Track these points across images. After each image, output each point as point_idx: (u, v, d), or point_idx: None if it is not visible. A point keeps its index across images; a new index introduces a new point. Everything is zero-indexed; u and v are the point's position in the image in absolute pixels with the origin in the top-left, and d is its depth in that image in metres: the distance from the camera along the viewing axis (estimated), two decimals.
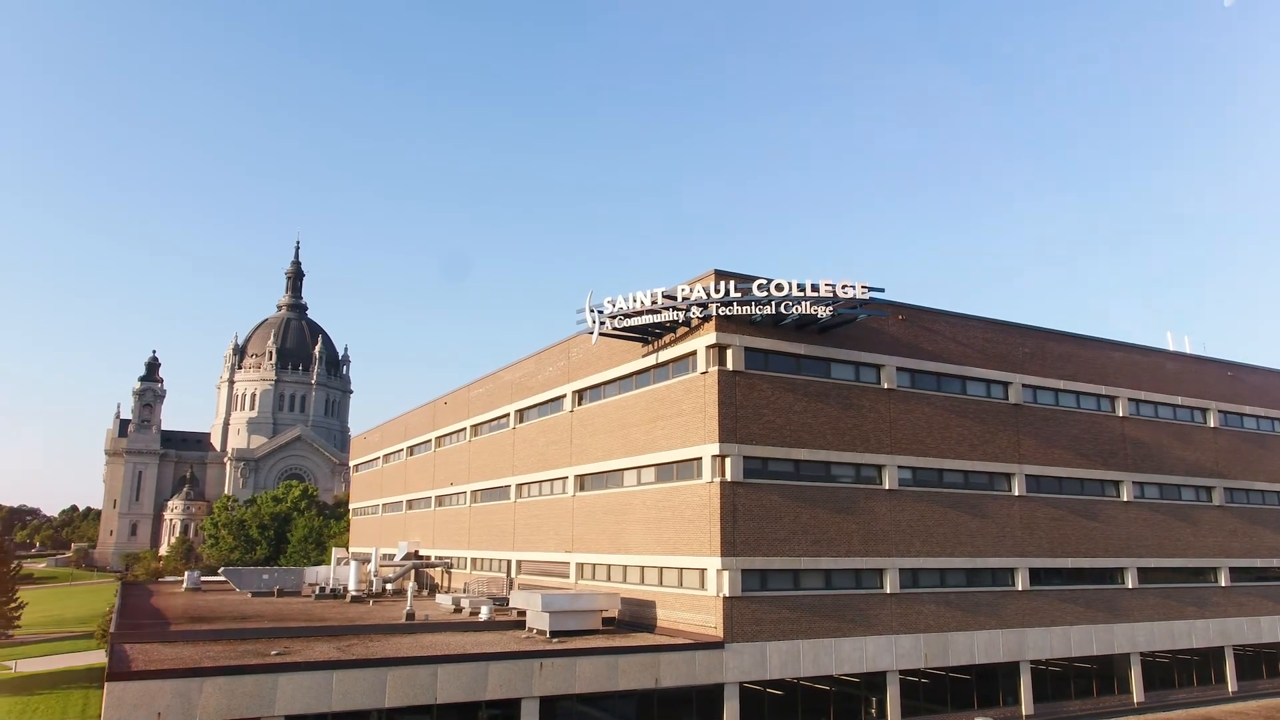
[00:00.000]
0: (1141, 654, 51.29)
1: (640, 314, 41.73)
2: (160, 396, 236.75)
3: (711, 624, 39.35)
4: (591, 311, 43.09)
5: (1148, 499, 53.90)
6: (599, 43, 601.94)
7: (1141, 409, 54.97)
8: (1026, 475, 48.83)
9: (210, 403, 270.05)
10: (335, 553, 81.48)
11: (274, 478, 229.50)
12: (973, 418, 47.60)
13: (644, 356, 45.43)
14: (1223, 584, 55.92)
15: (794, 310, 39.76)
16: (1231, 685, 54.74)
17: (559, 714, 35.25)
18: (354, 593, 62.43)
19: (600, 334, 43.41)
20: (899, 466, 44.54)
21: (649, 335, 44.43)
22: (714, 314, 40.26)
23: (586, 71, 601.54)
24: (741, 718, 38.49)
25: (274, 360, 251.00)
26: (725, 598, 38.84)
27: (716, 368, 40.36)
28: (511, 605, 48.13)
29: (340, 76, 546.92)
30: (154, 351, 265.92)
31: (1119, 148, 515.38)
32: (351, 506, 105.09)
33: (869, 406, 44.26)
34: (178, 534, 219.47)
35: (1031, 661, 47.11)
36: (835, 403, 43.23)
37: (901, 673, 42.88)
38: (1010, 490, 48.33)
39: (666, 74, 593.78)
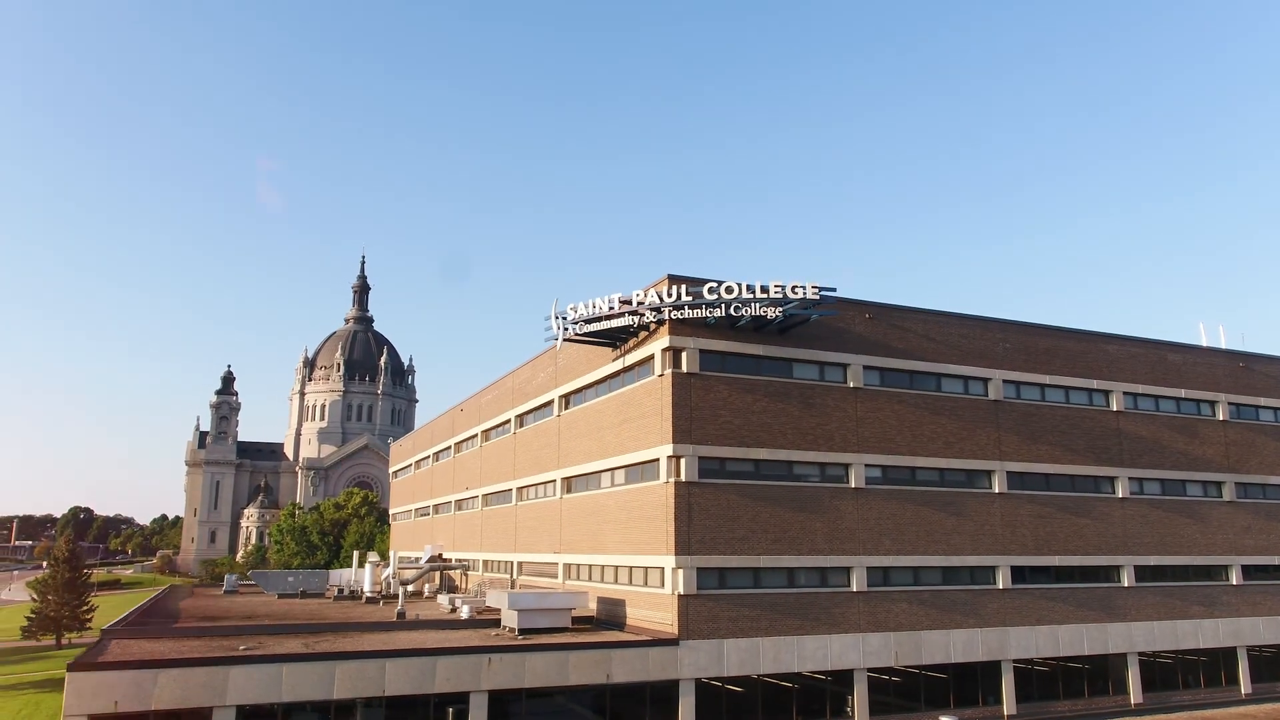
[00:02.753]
0: (1140, 654, 50.02)
1: (600, 320, 42.85)
2: (235, 409, 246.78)
3: (669, 621, 40.17)
4: (557, 318, 44.36)
5: (1147, 495, 52.53)
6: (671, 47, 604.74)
7: (1140, 403, 53.62)
8: (1008, 472, 48.22)
9: (284, 414, 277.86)
10: (369, 556, 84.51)
11: (342, 485, 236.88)
12: (948, 415, 47.27)
13: (614, 361, 46.55)
14: (1234, 582, 54.03)
15: (744, 312, 40.37)
16: (1245, 687, 52.87)
17: (511, 709, 36.54)
18: (369, 594, 64.95)
19: (565, 339, 44.66)
20: (866, 465, 44.61)
21: (616, 340, 45.51)
22: (667, 318, 41.11)
23: (650, 76, 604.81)
24: (698, 714, 39.17)
25: (342, 372, 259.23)
26: (680, 595, 39.63)
27: (671, 370, 41.22)
28: (488, 604, 49.64)
29: (391, 83, 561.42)
30: (229, 366, 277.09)
31: (1124, 146, 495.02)
32: (392, 511, 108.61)
33: (834, 405, 44.46)
34: (253, 540, 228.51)
35: (1016, 661, 46.51)
36: (797, 402, 43.57)
37: (870, 671, 42.92)
38: (990, 487, 47.81)
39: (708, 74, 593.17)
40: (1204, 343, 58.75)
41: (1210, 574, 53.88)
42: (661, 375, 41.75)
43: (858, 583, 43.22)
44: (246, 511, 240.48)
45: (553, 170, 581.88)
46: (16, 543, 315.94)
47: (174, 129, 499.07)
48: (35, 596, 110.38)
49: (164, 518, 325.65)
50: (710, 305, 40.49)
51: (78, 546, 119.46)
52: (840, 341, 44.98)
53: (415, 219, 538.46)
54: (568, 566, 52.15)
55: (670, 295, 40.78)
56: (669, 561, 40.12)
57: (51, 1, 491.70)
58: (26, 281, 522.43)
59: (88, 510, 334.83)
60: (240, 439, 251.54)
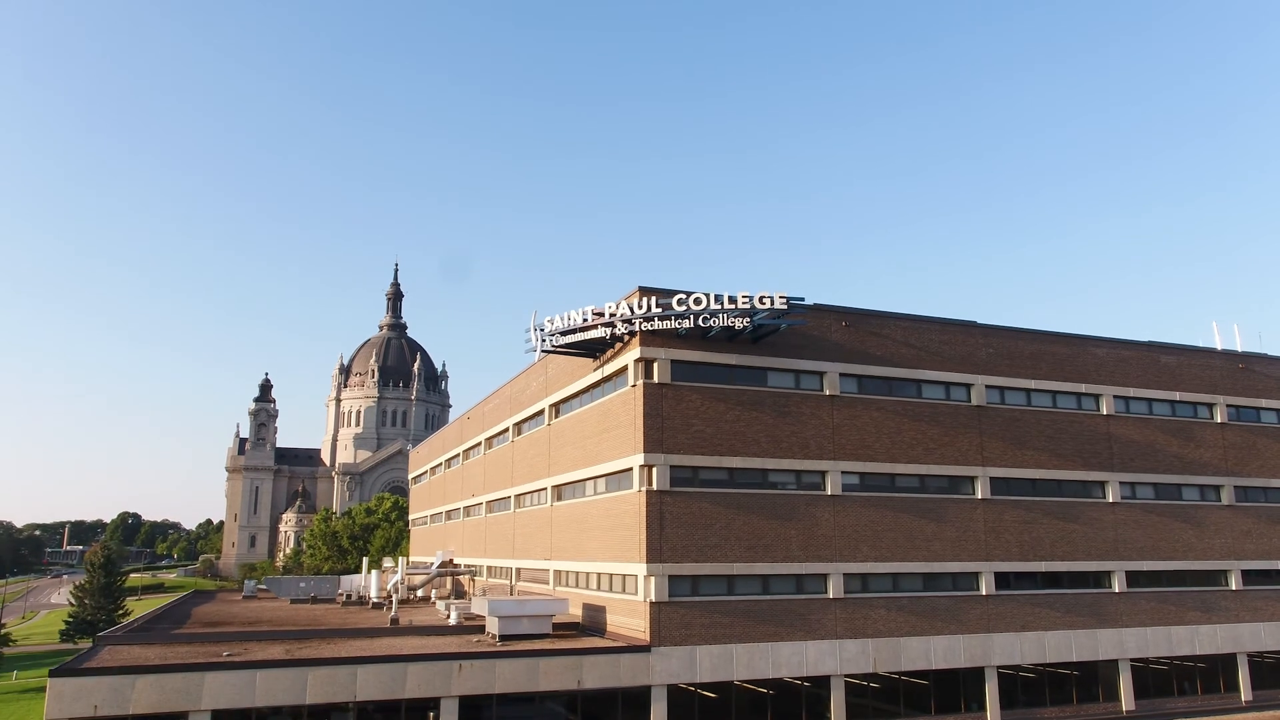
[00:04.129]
0: (1132, 660, 49.51)
1: (575, 331, 43.65)
2: (273, 416, 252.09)
3: (642, 628, 40.81)
4: (536, 330, 45.28)
5: (1140, 499, 51.97)
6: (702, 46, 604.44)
7: (1132, 406, 53.06)
8: (991, 478, 48.09)
9: (322, 420, 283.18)
10: (385, 562, 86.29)
11: (377, 490, 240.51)
12: (928, 421, 47.29)
13: (594, 371, 47.32)
14: (1234, 587, 53.22)
15: (712, 323, 40.90)
16: (1245, 694, 52.04)
17: (484, 714, 37.44)
18: (374, 600, 66.39)
19: (543, 351, 45.54)
20: (843, 472, 44.83)
21: (595, 351, 46.26)
22: (638, 329, 41.78)
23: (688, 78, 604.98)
24: (670, 719, 39.74)
25: (376, 378, 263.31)
26: (652, 602, 40.24)
27: (643, 381, 41.88)
28: (473, 611, 50.64)
29: (415, 84, 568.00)
30: (266, 374, 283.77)
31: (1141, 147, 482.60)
32: (411, 517, 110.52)
33: (809, 413, 44.76)
34: (291, 545, 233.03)
35: (1001, 667, 46.36)
36: (771, 410, 43.96)
37: (848, 677, 43.14)
38: (973, 493, 47.71)
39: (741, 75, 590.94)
40: (1218, 344, 57.97)
41: (1208, 579, 53.10)
42: (634, 385, 42.43)
43: (834, 589, 43.46)
44: (285, 516, 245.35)
45: (587, 172, 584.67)
46: (68, 547, 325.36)
47: (217, 135, 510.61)
48: (73, 601, 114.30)
49: (208, 522, 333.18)
50: (679, 316, 41.10)
51: (113, 553, 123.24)
52: (816, 349, 45.27)
53: (449, 224, 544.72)
54: (557, 573, 53.01)
55: (641, 307, 41.45)
56: (641, 569, 40.78)
57: (100, 9, 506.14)
58: (79, 290, 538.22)
59: (135, 515, 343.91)
60: (279, 445, 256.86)
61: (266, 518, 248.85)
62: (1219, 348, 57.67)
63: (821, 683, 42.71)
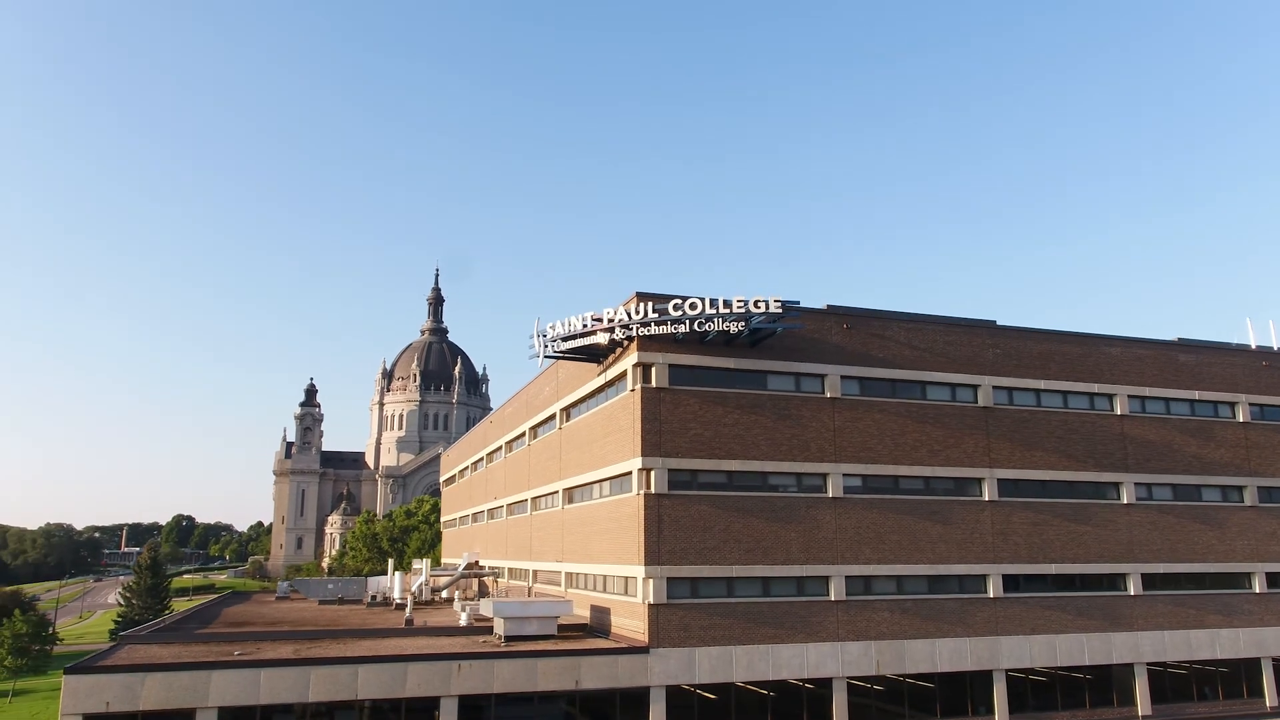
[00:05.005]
0: (1148, 664, 48.70)
1: (576, 337, 44.31)
2: (318, 420, 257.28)
3: (641, 630, 41.31)
4: (539, 336, 46.04)
5: (1156, 500, 51.09)
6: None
7: (1148, 406, 52.16)
8: (999, 479, 47.68)
9: (366, 424, 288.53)
10: (415, 564, 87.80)
11: (419, 492, 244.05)
12: (933, 422, 47.07)
13: (598, 376, 47.95)
14: (1257, 590, 52.03)
15: (707, 327, 41.26)
16: (1271, 699, 50.85)
17: (484, 714, 38.25)
18: (398, 601, 67.76)
19: (545, 356, 46.29)
20: (845, 475, 44.84)
21: (598, 356, 46.88)
22: (635, 334, 42.28)
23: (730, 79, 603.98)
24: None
25: (418, 382, 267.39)
26: (650, 604, 40.71)
27: (640, 385, 42.37)
28: (482, 613, 51.52)
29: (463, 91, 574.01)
30: (311, 379, 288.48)
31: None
32: (443, 519, 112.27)
33: (810, 416, 44.86)
34: (336, 546, 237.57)
35: (1010, 670, 45.96)
36: (771, 414, 44.15)
37: (851, 679, 43.16)
38: (980, 495, 47.34)
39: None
40: (1251, 341, 56.75)
41: (1230, 582, 51.99)
42: (633, 390, 42.95)
43: (836, 592, 43.49)
44: (330, 518, 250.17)
45: (623, 173, 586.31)
46: (125, 549, 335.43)
47: (266, 145, 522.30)
48: (121, 601, 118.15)
49: (259, 525, 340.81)
50: (675, 321, 41.51)
51: (160, 555, 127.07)
52: (817, 352, 45.35)
53: (489, 227, 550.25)
54: (568, 575, 53.74)
55: (638, 313, 41.94)
56: (640, 571, 41.27)
57: (151, 22, 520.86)
58: (140, 299, 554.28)
59: (189, 518, 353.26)
60: (325, 449, 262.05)
61: (313, 520, 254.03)
62: (1253, 345, 56.36)
63: (824, 684, 42.79)
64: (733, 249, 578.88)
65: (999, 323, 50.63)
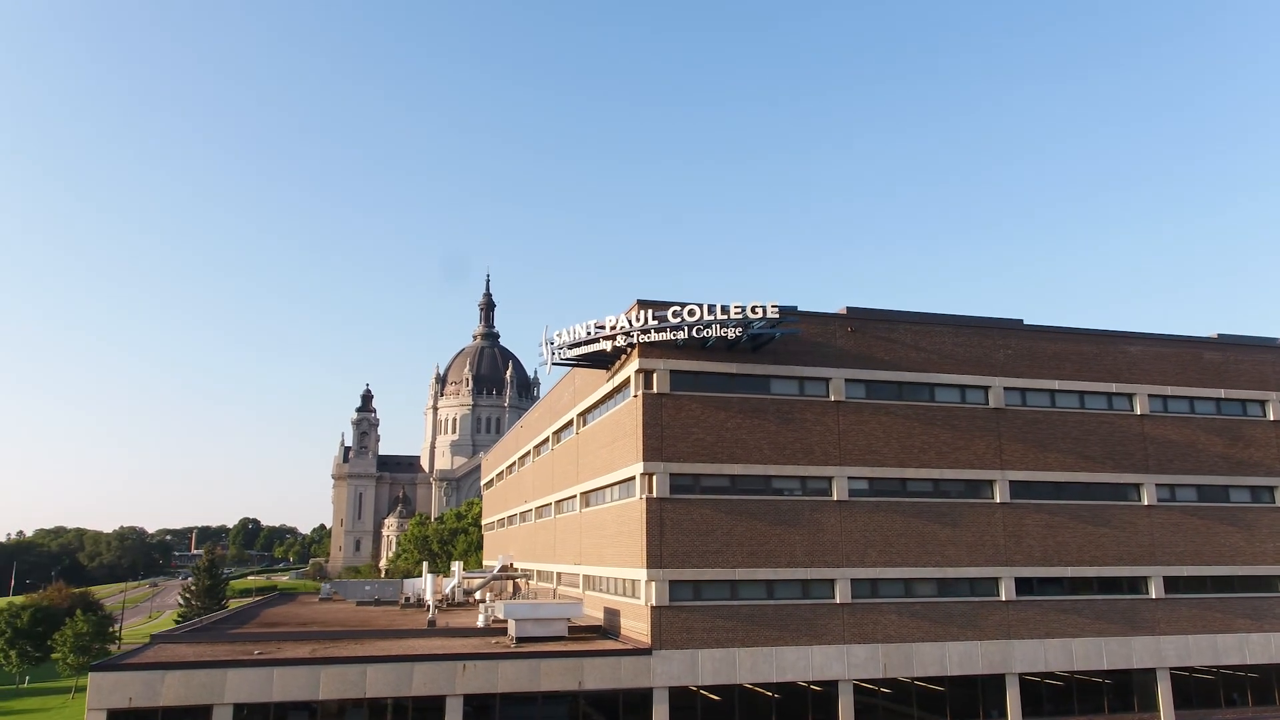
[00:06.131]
0: (1171, 669, 47.72)
1: (580, 345, 45.19)
2: (374, 425, 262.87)
3: (644, 631, 42.01)
4: (547, 344, 47.06)
5: (1180, 502, 50.03)
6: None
7: (1170, 405, 51.07)
8: (1011, 481, 47.22)
9: (421, 428, 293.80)
10: (453, 566, 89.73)
11: (472, 495, 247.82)
12: (942, 425, 46.84)
13: (606, 382, 48.79)
14: None
15: (706, 334, 41.79)
16: None
17: (490, 713, 39.35)
18: (430, 603, 69.36)
19: (553, 364, 47.25)
20: (850, 478, 44.92)
21: (605, 363, 47.69)
22: (636, 341, 43.01)
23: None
24: None
25: (470, 387, 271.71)
26: (653, 607, 41.39)
27: (642, 391, 43.10)
28: (496, 615, 52.65)
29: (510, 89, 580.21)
30: (367, 385, 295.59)
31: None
32: (483, 522, 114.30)
33: (814, 419, 45.04)
34: (393, 548, 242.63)
35: (1025, 674, 45.51)
36: (774, 417, 44.47)
37: (857, 682, 43.24)
38: (991, 497, 46.95)
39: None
40: None
41: (1260, 584, 50.60)
42: (635, 396, 43.69)
43: (841, 594, 43.60)
44: (386, 521, 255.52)
45: (676, 174, 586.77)
46: (195, 551, 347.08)
47: (327, 149, 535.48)
48: (181, 602, 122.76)
49: (321, 527, 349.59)
50: (674, 328, 42.12)
51: (216, 558, 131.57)
52: (821, 356, 45.52)
53: (539, 229, 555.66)
54: (586, 578, 54.67)
55: (639, 320, 42.66)
56: (643, 574, 41.97)
57: (221, 34, 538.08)
58: (211, 309, 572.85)
59: (255, 521, 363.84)
60: (381, 453, 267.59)
61: (370, 523, 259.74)
62: None
63: (830, 686, 42.95)
64: (767, 250, 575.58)
65: (1026, 321, 50.23)
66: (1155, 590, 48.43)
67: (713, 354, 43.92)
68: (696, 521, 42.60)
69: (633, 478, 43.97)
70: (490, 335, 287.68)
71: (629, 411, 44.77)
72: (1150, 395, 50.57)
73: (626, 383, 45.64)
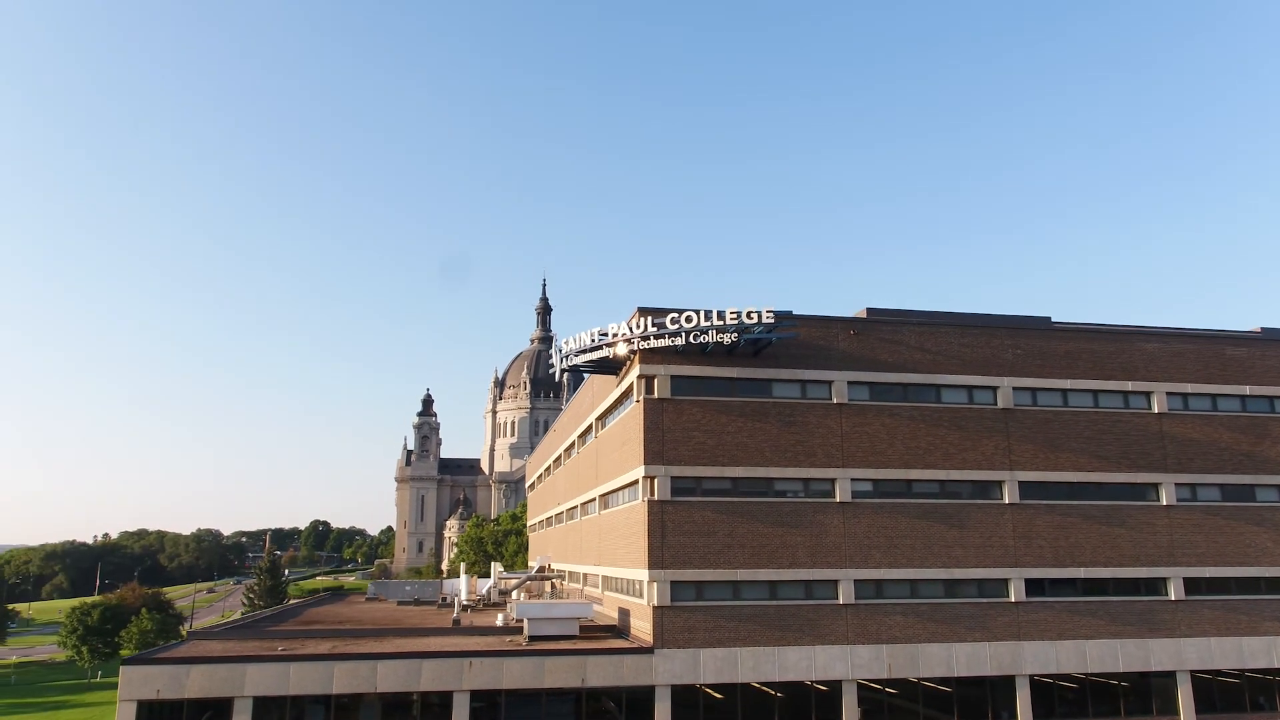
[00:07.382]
0: (1193, 672, 46.87)
1: (585, 352, 46.48)
2: (435, 429, 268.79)
3: (648, 631, 43.06)
4: (557, 351, 48.50)
5: (1202, 501, 49.04)
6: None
7: (1191, 403, 50.08)
8: (1020, 482, 46.94)
9: (481, 431, 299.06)
10: (494, 567, 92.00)
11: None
12: (948, 426, 46.83)
13: (616, 388, 50.00)
14: None
15: (702, 339, 42.68)
16: None
17: (497, 710, 40.87)
18: (464, 603, 71.54)
19: (562, 370, 48.65)
20: (853, 479, 45.27)
21: (614, 369, 48.88)
22: (637, 348, 44.10)
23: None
24: (674, 718, 41.74)
25: (528, 390, 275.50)
26: (655, 606, 42.43)
27: (643, 397, 44.18)
28: (513, 615, 54.15)
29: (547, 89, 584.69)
30: (427, 389, 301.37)
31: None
32: (528, 524, 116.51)
33: (816, 422, 45.51)
34: (454, 550, 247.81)
35: (1035, 676, 45.27)
36: (775, 420, 45.08)
37: (862, 681, 43.58)
38: (1000, 498, 46.76)
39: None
40: None
41: None
42: (638, 401, 44.77)
43: (845, 595, 43.99)
44: (448, 523, 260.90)
45: (731, 176, 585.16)
46: (276, 553, 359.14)
47: (395, 160, 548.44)
48: (245, 602, 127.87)
49: (388, 529, 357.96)
50: (673, 335, 43.11)
51: (277, 559, 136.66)
52: (823, 359, 45.96)
53: (593, 234, 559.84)
54: (604, 579, 55.94)
55: (639, 327, 43.75)
56: (645, 574, 43.03)
57: (285, 49, 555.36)
58: (295, 319, 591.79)
59: (325, 523, 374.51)
60: (443, 456, 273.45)
61: (432, 524, 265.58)
62: None
63: (832, 687, 43.39)
64: (791, 254, 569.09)
65: (1054, 319, 49.85)
66: (1175, 592, 47.59)
67: (713, 359, 44.75)
68: (698, 523, 43.48)
69: (636, 481, 45.04)
70: (547, 339, 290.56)
71: (633, 416, 45.87)
72: (1169, 393, 49.66)
73: (631, 388, 46.75)
